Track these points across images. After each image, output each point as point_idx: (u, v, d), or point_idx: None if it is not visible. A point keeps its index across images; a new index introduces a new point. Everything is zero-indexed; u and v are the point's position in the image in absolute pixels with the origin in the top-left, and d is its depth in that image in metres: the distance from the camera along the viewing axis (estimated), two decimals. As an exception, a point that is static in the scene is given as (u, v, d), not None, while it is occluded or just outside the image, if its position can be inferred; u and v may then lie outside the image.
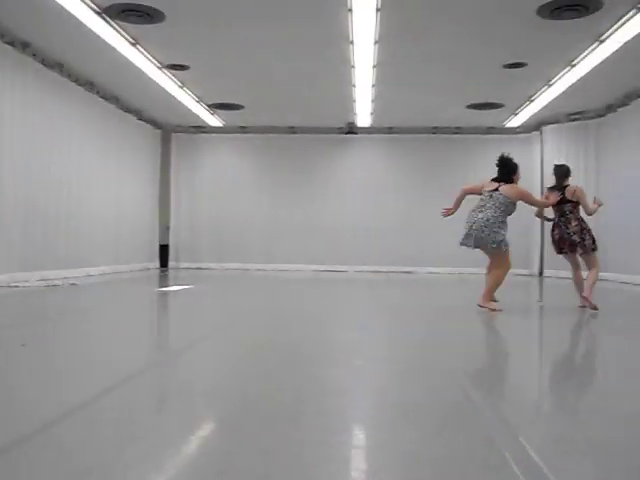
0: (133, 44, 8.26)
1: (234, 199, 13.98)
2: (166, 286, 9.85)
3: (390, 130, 13.72)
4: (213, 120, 13.02)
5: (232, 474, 1.74)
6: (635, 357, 3.89)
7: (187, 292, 8.43)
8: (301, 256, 13.64)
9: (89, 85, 10.35)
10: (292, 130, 13.81)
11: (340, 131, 13.78)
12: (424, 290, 9.83)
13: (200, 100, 11.49)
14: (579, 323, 5.68)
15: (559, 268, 12.19)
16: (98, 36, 7.88)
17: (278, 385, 2.84)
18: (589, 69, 8.97)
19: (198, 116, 12.53)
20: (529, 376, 3.45)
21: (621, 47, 8.00)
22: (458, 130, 13.66)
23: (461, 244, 6.14)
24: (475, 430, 2.18)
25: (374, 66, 9.05)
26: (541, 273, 12.96)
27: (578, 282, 6.51)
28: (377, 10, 7.02)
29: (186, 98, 11.13)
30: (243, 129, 13.91)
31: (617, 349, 4.24)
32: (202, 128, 13.79)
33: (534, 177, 12.90)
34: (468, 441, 2.05)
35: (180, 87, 10.44)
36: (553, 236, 6.54)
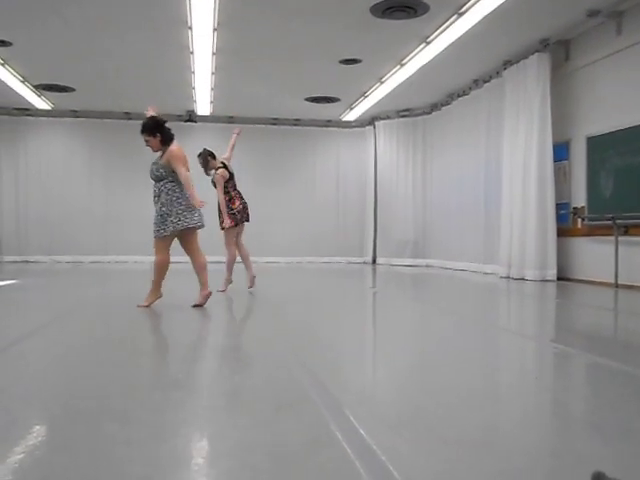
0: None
1: (65, 187, 13.17)
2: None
3: (230, 119, 13.63)
4: (40, 102, 12.13)
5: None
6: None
7: (10, 287, 7.81)
8: (139, 246, 13.13)
9: None
10: (128, 116, 13.23)
11: (179, 119, 13.44)
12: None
13: (25, 80, 10.65)
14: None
15: (391, 256, 12.99)
16: None
17: (105, 381, 2.73)
18: (416, 69, 9.54)
19: (23, 97, 11.60)
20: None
21: (444, 49, 8.60)
22: (297, 122, 13.91)
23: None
24: (308, 413, 2.25)
25: (213, 53, 8.95)
26: (374, 261, 13.61)
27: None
28: (215, -4, 6.95)
29: (8, 77, 10.25)
30: (74, 113, 13.12)
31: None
32: (27, 111, 12.80)
33: (368, 169, 13.53)
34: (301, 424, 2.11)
35: (1, 64, 9.59)
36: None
